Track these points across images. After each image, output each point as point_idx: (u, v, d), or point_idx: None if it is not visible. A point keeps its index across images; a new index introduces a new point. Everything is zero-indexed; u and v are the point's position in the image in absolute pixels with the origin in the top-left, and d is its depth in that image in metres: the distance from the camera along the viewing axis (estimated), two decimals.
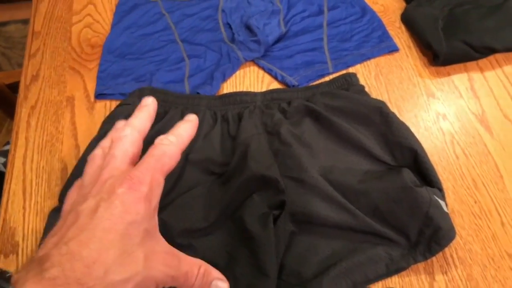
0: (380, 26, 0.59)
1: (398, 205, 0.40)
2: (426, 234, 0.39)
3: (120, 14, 0.61)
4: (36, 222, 0.43)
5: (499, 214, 0.44)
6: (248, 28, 0.57)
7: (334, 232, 0.41)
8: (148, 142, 0.31)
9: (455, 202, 0.45)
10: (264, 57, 0.56)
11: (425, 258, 0.40)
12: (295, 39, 0.58)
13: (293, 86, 0.53)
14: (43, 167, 0.47)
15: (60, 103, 0.52)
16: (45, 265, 0.23)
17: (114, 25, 0.60)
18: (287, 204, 0.41)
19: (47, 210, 0.44)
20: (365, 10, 0.61)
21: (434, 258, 0.41)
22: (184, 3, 0.62)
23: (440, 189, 0.42)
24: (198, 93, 0.51)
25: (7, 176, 0.46)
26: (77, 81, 0.54)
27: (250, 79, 0.55)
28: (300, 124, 0.47)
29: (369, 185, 0.42)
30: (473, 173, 0.47)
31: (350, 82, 0.50)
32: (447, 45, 0.54)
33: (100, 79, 0.54)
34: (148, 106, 0.34)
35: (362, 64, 0.56)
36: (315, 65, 0.55)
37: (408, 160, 0.44)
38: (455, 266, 0.41)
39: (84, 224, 0.25)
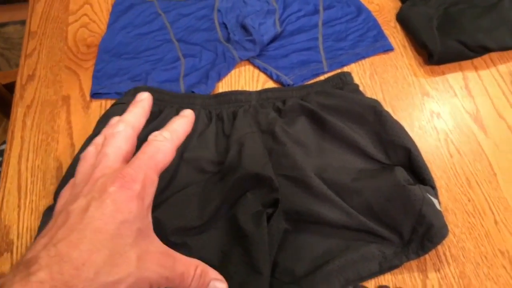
0: (375, 25, 0.59)
1: (391, 203, 0.41)
2: (419, 231, 0.39)
3: (116, 14, 0.61)
4: (31, 221, 0.43)
5: (492, 212, 0.44)
6: (244, 27, 0.57)
7: (328, 230, 0.41)
8: (142, 140, 0.31)
9: (449, 200, 0.45)
10: (259, 57, 0.56)
11: (418, 255, 0.40)
12: (290, 39, 0.58)
13: (288, 85, 0.53)
14: (38, 166, 0.47)
15: (56, 103, 0.52)
16: (32, 268, 0.22)
17: (110, 24, 0.60)
18: (280, 202, 0.42)
19: (42, 208, 0.44)
20: (361, 9, 0.61)
21: (427, 256, 0.41)
22: (180, 3, 0.62)
23: (433, 187, 0.42)
24: (193, 92, 0.51)
25: (2, 175, 0.46)
26: (73, 81, 0.54)
27: (245, 78, 0.55)
28: (295, 123, 0.47)
29: (363, 184, 0.42)
30: (467, 171, 0.47)
31: (344, 81, 0.51)
32: (441, 44, 0.54)
33: (95, 78, 0.54)
34: (143, 102, 0.33)
35: (357, 63, 0.56)
36: (310, 64, 0.55)
37: (402, 158, 0.44)
38: (448, 263, 0.41)
39: (74, 224, 0.24)
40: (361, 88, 0.51)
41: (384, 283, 0.40)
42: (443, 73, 0.55)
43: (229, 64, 0.55)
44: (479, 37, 0.55)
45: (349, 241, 0.41)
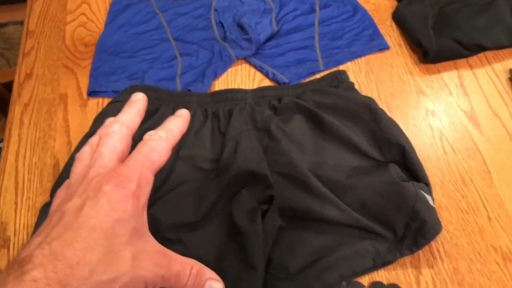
0: (371, 24, 0.60)
1: (385, 200, 0.41)
2: (412, 228, 0.40)
3: (113, 13, 0.61)
4: (28, 217, 0.44)
5: (486, 209, 0.44)
6: (240, 26, 0.58)
7: (322, 226, 0.41)
8: (138, 139, 0.31)
9: (443, 197, 0.45)
10: (255, 55, 0.57)
11: (412, 251, 0.40)
12: (286, 37, 0.58)
13: (284, 83, 0.53)
14: (35, 163, 0.47)
15: (53, 101, 0.53)
16: (26, 267, 0.22)
17: (107, 23, 0.60)
18: (275, 199, 0.42)
19: (38, 205, 0.44)
20: (357, 8, 0.61)
21: (420, 252, 0.41)
22: (177, 2, 0.63)
23: (427, 184, 0.43)
24: (189, 90, 0.51)
25: None
26: (70, 79, 0.55)
27: (242, 77, 0.55)
28: (290, 121, 0.48)
29: (357, 181, 0.43)
30: (461, 168, 0.47)
31: (340, 79, 0.51)
32: (437, 43, 0.54)
33: (93, 77, 0.54)
34: (138, 102, 0.33)
35: (352, 62, 0.56)
36: (306, 63, 0.56)
37: (396, 156, 0.45)
38: (442, 260, 0.41)
39: (69, 223, 0.24)
40: (356, 87, 0.51)
41: (377, 279, 0.40)
42: (439, 72, 0.55)
43: (226, 63, 0.55)
44: (474, 35, 0.55)
45: (343, 237, 0.41)
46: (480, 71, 0.55)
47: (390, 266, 0.40)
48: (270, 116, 0.48)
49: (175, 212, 0.41)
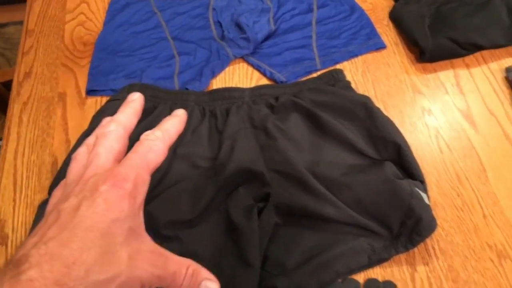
0: (368, 23, 0.60)
1: (380, 197, 0.41)
2: (407, 225, 0.40)
3: (112, 12, 0.62)
4: (26, 215, 0.44)
5: (481, 207, 0.44)
6: (238, 25, 0.58)
7: (318, 224, 0.42)
8: (135, 138, 0.31)
9: (438, 195, 0.45)
10: (253, 54, 0.57)
11: (407, 249, 0.40)
12: (284, 37, 0.59)
13: (281, 82, 0.54)
14: (34, 161, 0.48)
15: (52, 99, 0.53)
16: (22, 267, 0.22)
17: (106, 23, 0.61)
18: (272, 197, 0.42)
19: (37, 203, 0.45)
20: (354, 8, 0.62)
21: (415, 250, 0.41)
22: (176, 1, 0.63)
23: (422, 182, 0.43)
24: (187, 89, 0.52)
25: None
26: (69, 78, 0.55)
27: (239, 76, 0.56)
28: (287, 119, 0.48)
29: (353, 178, 0.43)
30: (457, 167, 0.47)
31: (336, 78, 0.51)
32: (433, 42, 0.54)
33: (91, 75, 0.55)
34: (134, 102, 0.34)
35: (349, 61, 0.57)
36: (304, 61, 0.56)
37: (392, 154, 0.45)
38: (437, 257, 0.41)
39: (65, 223, 0.24)
40: (353, 86, 0.51)
41: (373, 276, 0.40)
42: (435, 71, 0.56)
43: (223, 62, 0.56)
44: (471, 35, 0.55)
45: (338, 235, 0.41)
46: (476, 70, 0.56)
47: (385, 264, 0.41)
48: (267, 114, 0.48)
49: (172, 209, 0.41)
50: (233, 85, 0.55)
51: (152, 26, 0.60)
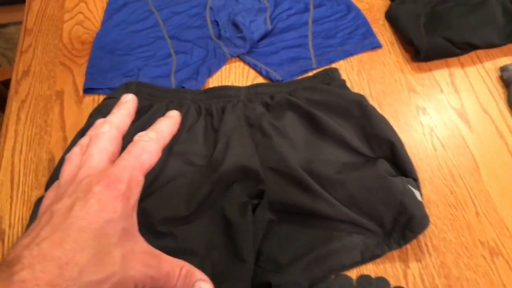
0: (364, 23, 0.60)
1: (373, 194, 0.42)
2: (400, 222, 0.40)
3: (110, 12, 0.62)
4: (23, 211, 0.45)
5: (474, 205, 0.45)
6: (235, 25, 0.58)
7: (311, 220, 0.42)
8: (130, 138, 0.31)
9: (432, 192, 0.46)
10: (249, 53, 0.57)
11: (400, 245, 0.41)
12: (280, 36, 0.59)
13: (277, 81, 0.54)
14: (31, 158, 0.48)
15: (50, 97, 0.53)
16: (15, 268, 0.22)
17: (104, 22, 0.61)
18: (266, 194, 0.43)
19: (34, 199, 0.45)
20: (350, 7, 0.62)
21: (408, 246, 0.42)
22: (173, 1, 0.63)
23: (415, 179, 0.43)
24: (183, 87, 0.52)
25: None
26: (67, 76, 0.55)
27: (236, 74, 0.56)
28: (282, 117, 0.48)
29: (346, 176, 0.43)
30: (450, 164, 0.48)
31: (331, 77, 0.52)
32: (428, 41, 0.55)
33: (89, 74, 0.55)
34: (127, 103, 0.33)
35: (345, 60, 0.57)
36: (299, 61, 0.56)
37: (386, 151, 0.45)
38: (429, 254, 0.42)
39: (58, 223, 0.24)
40: (348, 85, 0.52)
41: (366, 273, 0.41)
42: (430, 70, 0.56)
43: (220, 61, 0.56)
44: (466, 34, 0.56)
45: (332, 232, 0.42)
46: (471, 70, 0.56)
47: (378, 260, 0.41)
48: (262, 112, 0.48)
49: (167, 206, 0.42)
50: (230, 84, 0.55)
51: (150, 25, 0.60)
